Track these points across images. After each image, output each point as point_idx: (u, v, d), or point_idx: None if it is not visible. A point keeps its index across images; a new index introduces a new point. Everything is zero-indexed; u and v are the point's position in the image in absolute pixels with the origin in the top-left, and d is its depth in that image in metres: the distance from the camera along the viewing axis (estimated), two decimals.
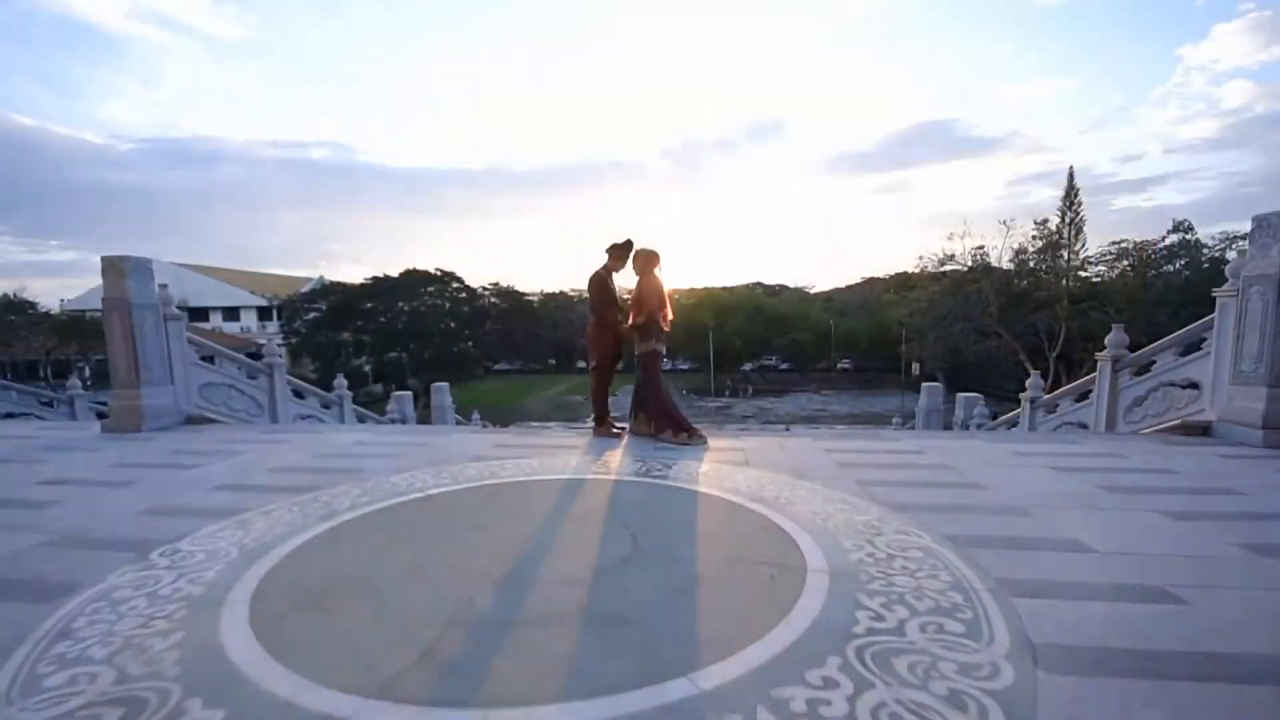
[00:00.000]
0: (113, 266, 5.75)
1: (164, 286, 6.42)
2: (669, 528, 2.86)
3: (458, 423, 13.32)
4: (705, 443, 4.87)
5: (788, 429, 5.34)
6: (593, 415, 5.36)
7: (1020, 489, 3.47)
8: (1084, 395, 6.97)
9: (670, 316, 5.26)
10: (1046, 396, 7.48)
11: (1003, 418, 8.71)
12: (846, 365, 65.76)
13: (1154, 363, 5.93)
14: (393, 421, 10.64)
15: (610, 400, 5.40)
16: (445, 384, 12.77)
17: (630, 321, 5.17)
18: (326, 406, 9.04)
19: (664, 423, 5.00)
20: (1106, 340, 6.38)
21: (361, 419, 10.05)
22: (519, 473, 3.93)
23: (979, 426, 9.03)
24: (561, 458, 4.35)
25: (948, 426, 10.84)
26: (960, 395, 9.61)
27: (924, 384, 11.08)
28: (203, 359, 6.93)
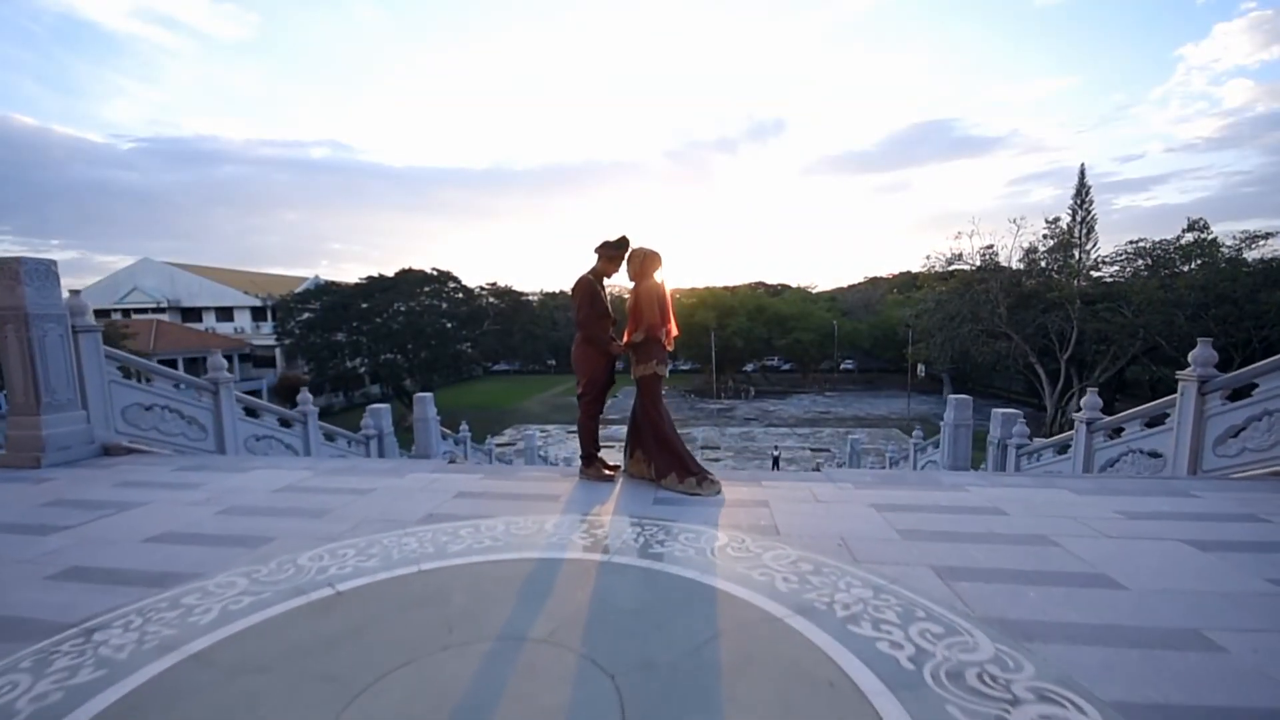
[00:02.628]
0: (3, 270, 4.78)
1: (75, 293, 5.45)
2: (675, 670, 1.89)
3: (443, 436, 12.38)
4: (718, 490, 3.90)
5: (818, 468, 4.33)
6: (580, 452, 4.38)
7: (1173, 586, 2.49)
8: (1156, 420, 5.98)
9: (674, 332, 4.29)
10: (1108, 419, 6.49)
11: (1045, 441, 7.71)
12: (849, 366, 64.73)
13: (1255, 385, 4.95)
14: (367, 439, 9.67)
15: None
16: (429, 395, 11.81)
17: (625, 338, 4.20)
18: (287, 424, 8.07)
19: (667, 464, 4.02)
20: (1191, 357, 5.39)
21: (330, 437, 9.08)
22: (474, 545, 2.95)
23: (1019, 449, 8.05)
24: (535, 516, 3.37)
25: (979, 446, 9.86)
26: (996, 411, 8.61)
27: (951, 396, 10.08)
28: (130, 376, 5.96)
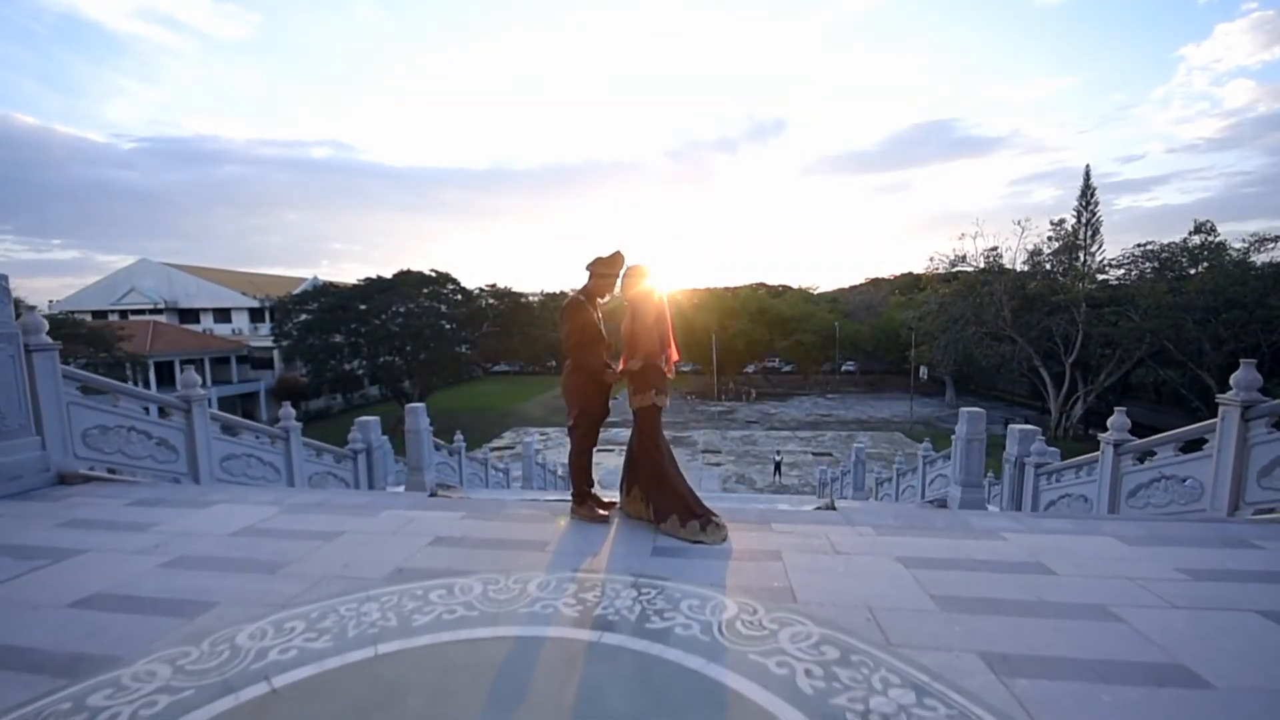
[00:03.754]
0: None
1: (32, 309, 5.06)
2: None
3: (436, 447, 11.97)
4: (723, 535, 3.50)
5: (832, 505, 3.96)
6: (570, 490, 3.98)
7: (1266, 683, 2.09)
8: (1192, 445, 5.58)
9: (675, 356, 3.90)
10: (1139, 443, 6.08)
11: (1068, 463, 7.30)
12: (850, 368, 64.30)
13: None
14: (354, 454, 9.28)
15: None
16: (420, 405, 11.35)
17: (621, 366, 3.80)
18: (270, 441, 7.67)
19: (668, 506, 3.63)
20: (1233, 380, 4.99)
21: (317, 452, 8.69)
22: (445, 615, 2.55)
23: (1038, 469, 7.64)
24: (518, 574, 2.97)
25: (994, 457, 9.45)
26: (1013, 427, 8.21)
27: (963, 410, 9.63)
28: (91, 394, 5.56)
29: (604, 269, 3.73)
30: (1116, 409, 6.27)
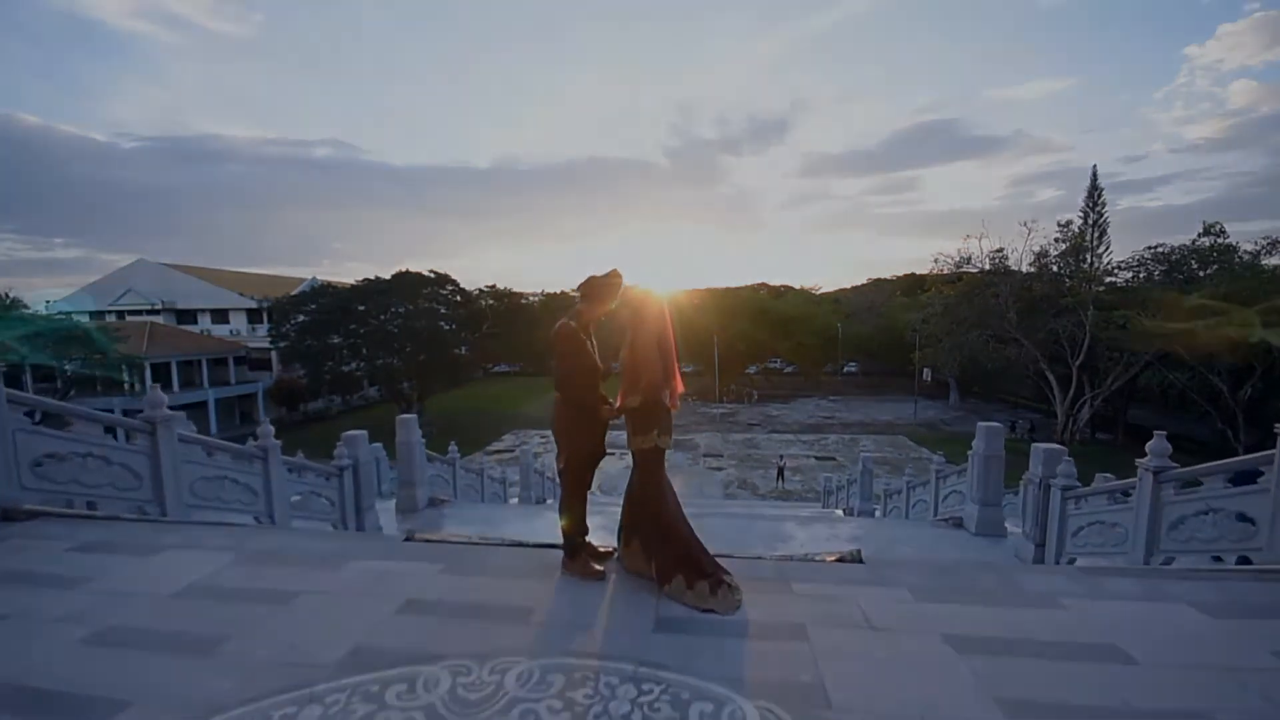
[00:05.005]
0: None
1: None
2: None
3: (429, 459, 11.52)
4: (737, 601, 3.03)
5: (858, 556, 3.50)
6: (562, 540, 3.51)
7: None
8: (1244, 476, 5.10)
9: (680, 388, 3.43)
10: (1182, 471, 5.61)
11: (1099, 488, 6.81)
12: (852, 369, 63.79)
13: None
14: (340, 470, 8.81)
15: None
16: (412, 417, 10.97)
17: (619, 402, 3.33)
18: (250, 460, 7.21)
19: (672, 564, 3.16)
20: None
21: (298, 470, 8.22)
22: None
23: (1066, 491, 7.15)
24: (494, 662, 2.50)
25: (1013, 477, 9.00)
26: (1037, 447, 7.71)
27: (981, 424, 9.20)
28: (43, 419, 5.11)
29: (598, 290, 3.27)
30: (1156, 433, 5.79)
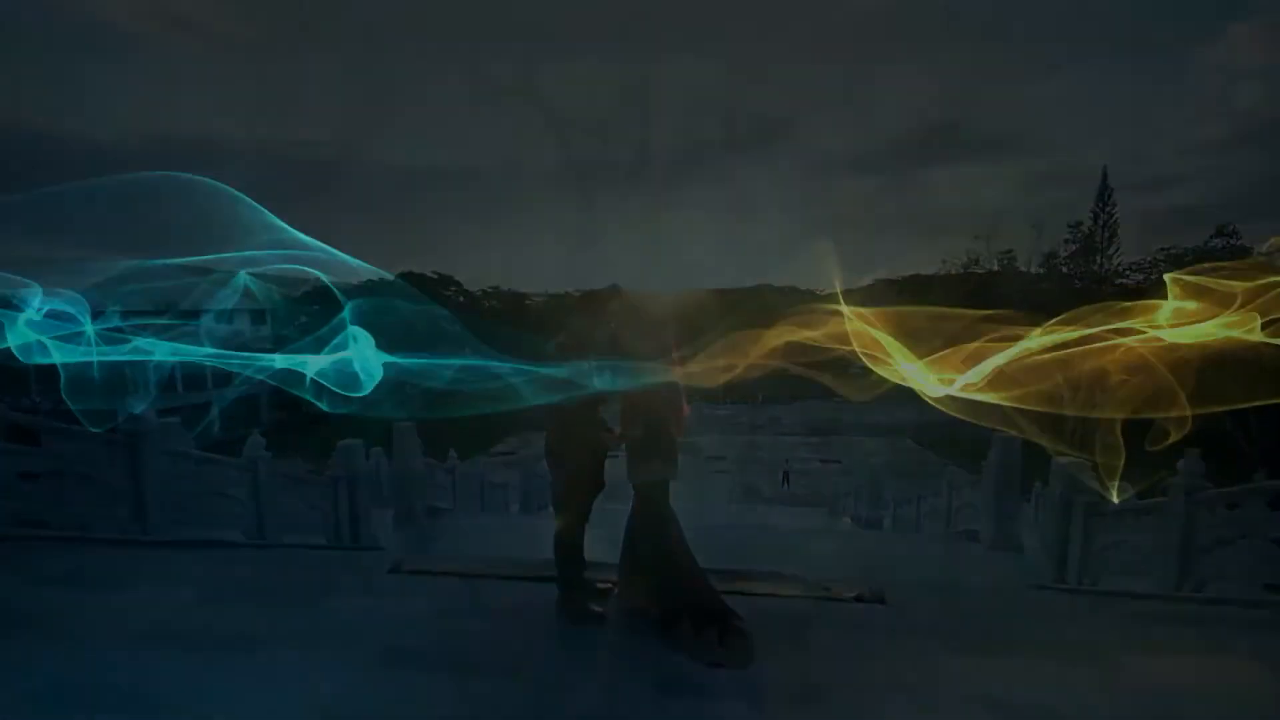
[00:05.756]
0: None
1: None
2: None
3: (428, 466, 11.26)
4: (748, 652, 2.74)
5: (879, 596, 3.21)
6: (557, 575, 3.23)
7: None
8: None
9: (686, 410, 3.15)
10: (1216, 491, 5.29)
11: (1124, 507, 6.47)
12: (855, 371, 63.31)
13: None
14: (335, 482, 8.55)
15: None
16: (411, 425, 10.70)
17: (620, 429, 3.05)
18: (240, 472, 6.96)
19: (676, 605, 2.88)
20: None
21: (294, 480, 7.97)
22: None
23: (1088, 507, 6.83)
24: None
25: (1025, 495, 8.71)
26: (1058, 461, 7.38)
27: (996, 435, 8.87)
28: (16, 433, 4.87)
29: (593, 306, 2.99)
30: (1188, 450, 5.47)
